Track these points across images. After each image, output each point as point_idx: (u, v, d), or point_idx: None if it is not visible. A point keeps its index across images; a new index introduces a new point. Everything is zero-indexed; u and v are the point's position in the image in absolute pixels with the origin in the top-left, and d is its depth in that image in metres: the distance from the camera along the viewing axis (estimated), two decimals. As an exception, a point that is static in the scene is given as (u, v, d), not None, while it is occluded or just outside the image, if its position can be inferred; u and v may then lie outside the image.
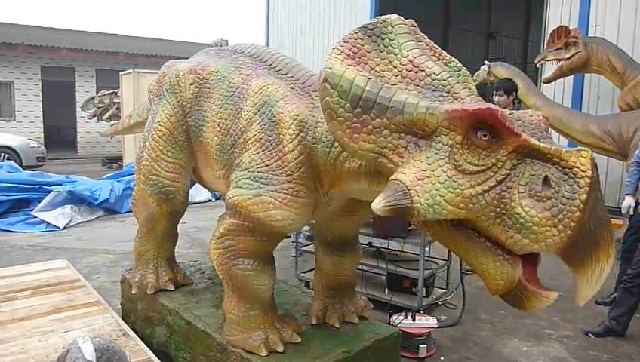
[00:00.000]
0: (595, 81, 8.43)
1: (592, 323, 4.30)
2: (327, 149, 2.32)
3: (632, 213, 4.53)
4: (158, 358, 2.81)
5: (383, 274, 4.61)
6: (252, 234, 2.53)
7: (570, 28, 7.66)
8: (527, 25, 21.30)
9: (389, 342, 2.92)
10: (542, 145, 1.66)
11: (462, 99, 1.83)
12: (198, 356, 2.94)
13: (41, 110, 18.78)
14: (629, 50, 7.46)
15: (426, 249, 4.39)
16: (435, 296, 4.56)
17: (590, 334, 4.11)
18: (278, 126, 2.47)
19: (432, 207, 1.70)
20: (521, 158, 1.68)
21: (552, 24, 8.53)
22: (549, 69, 8.00)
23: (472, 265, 1.85)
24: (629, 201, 4.55)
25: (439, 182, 1.71)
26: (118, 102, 13.89)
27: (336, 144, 2.25)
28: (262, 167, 2.46)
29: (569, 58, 7.31)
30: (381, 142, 1.85)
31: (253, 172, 2.47)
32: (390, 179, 1.81)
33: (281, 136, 2.44)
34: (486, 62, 8.06)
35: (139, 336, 3.12)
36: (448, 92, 1.85)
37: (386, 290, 4.47)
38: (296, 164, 2.40)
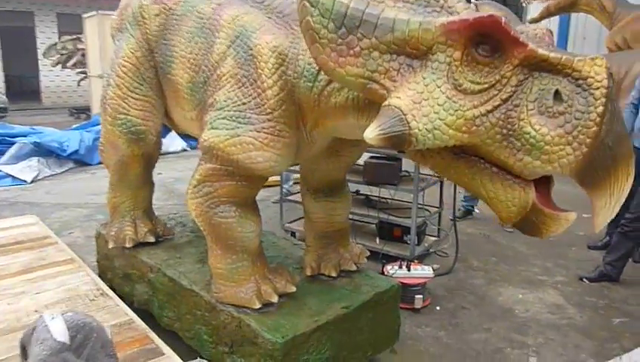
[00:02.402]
0: (581, 21, 8.24)
1: (586, 268, 4.23)
2: (311, 84, 2.10)
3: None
4: (140, 318, 2.62)
5: (372, 223, 4.43)
6: (232, 179, 2.33)
7: (560, -36, 7.37)
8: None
9: (388, 295, 2.75)
10: (551, 54, 1.47)
11: (457, 13, 1.60)
12: (184, 315, 2.73)
13: (0, 58, 17.76)
14: (620, -13, 7.22)
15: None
16: (427, 244, 4.42)
17: (585, 279, 4.04)
18: (255, 59, 2.22)
19: (431, 132, 1.52)
20: (528, 73, 1.50)
21: (539, -39, 8.22)
22: (535, 9, 7.73)
23: (479, 195, 1.69)
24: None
25: (438, 104, 1.52)
26: (83, 48, 13.10)
27: (320, 78, 2.05)
28: (239, 105, 2.23)
29: (558, -4, 7.06)
30: (370, 66, 1.63)
31: (229, 111, 2.25)
32: (383, 105, 1.60)
33: (259, 70, 2.20)
34: (472, 0, 7.76)
35: (118, 295, 2.91)
36: (442, 7, 1.63)
37: (377, 239, 4.31)
38: (277, 100, 2.18)
